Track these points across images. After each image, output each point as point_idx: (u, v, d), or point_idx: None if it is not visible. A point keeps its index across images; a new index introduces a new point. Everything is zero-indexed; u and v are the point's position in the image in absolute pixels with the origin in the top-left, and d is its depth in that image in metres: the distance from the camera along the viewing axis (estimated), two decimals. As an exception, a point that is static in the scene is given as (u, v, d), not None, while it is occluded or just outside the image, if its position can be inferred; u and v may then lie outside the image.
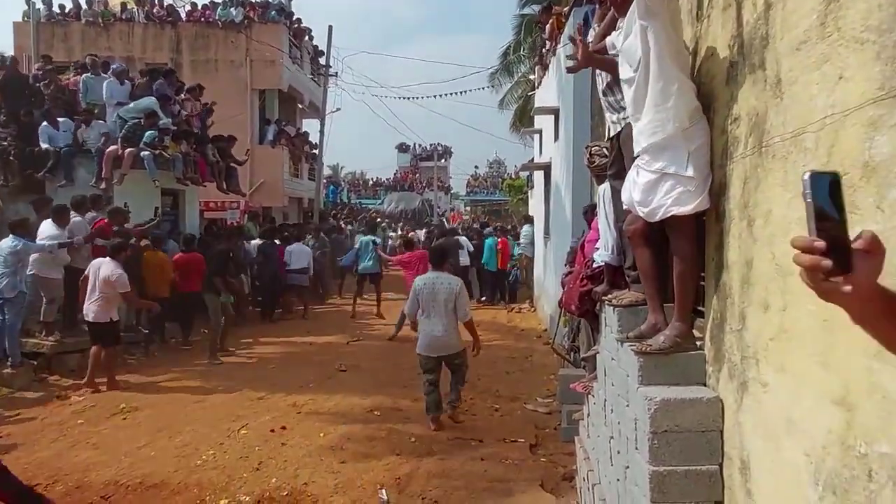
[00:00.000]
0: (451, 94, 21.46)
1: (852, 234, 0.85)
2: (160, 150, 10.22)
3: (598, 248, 3.95)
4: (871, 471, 1.47)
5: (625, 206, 2.95)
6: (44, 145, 9.98)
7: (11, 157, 9.98)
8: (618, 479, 3.15)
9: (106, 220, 8.80)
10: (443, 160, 47.19)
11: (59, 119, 10.30)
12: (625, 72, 2.79)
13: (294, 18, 20.53)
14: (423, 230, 23.11)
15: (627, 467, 2.90)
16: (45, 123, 10.09)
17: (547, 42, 11.52)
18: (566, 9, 9.87)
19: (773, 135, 2.02)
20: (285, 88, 19.30)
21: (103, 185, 9.93)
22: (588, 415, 4.42)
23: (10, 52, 15.56)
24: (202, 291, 9.04)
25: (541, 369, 8.35)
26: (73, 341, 8.17)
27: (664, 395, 2.53)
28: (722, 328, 2.49)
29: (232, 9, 18.72)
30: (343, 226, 20.72)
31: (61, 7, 18.99)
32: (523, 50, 19.32)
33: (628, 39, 2.71)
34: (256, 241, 12.64)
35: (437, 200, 38.62)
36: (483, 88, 21.13)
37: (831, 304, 1.63)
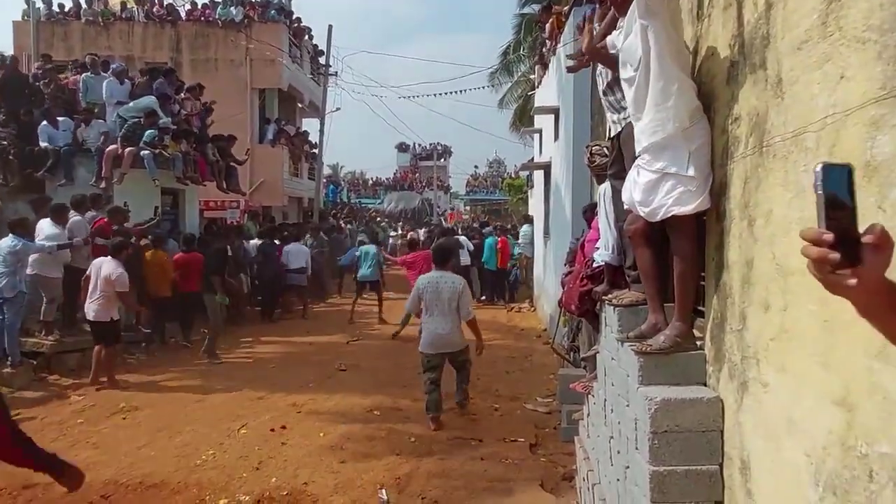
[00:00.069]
0: (451, 92, 21.45)
1: (861, 228, 0.85)
2: (160, 150, 10.22)
3: (598, 248, 3.95)
4: (871, 471, 1.47)
5: (625, 206, 2.95)
6: (43, 144, 9.99)
7: (11, 157, 9.98)
8: (618, 479, 3.15)
9: (105, 220, 8.80)
10: (442, 160, 47.21)
11: (59, 118, 10.31)
12: (625, 71, 2.79)
13: (294, 18, 20.53)
14: (423, 229, 23.11)
15: (627, 467, 2.90)
16: (44, 123, 10.09)
17: (547, 41, 11.51)
18: (566, 8, 9.86)
19: (774, 134, 2.02)
20: (285, 88, 19.29)
21: (103, 185, 9.94)
22: (588, 414, 4.42)
23: (9, 51, 15.53)
24: (201, 291, 9.04)
25: (540, 369, 8.35)
26: (72, 341, 8.17)
27: (664, 395, 2.52)
28: (722, 328, 2.49)
29: (232, 8, 18.70)
30: (343, 225, 20.72)
31: (61, 6, 18.98)
32: (523, 49, 19.31)
33: (628, 39, 2.71)
34: (255, 241, 12.63)
35: (436, 200, 38.64)
36: (483, 87, 21.13)
37: (832, 305, 1.64)
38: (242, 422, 6.10)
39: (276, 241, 12.79)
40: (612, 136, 3.36)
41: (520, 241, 15.48)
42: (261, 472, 4.97)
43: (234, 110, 16.39)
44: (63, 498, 4.51)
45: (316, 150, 21.19)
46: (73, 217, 8.42)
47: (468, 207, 44.03)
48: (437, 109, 39.68)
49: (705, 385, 2.64)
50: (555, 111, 10.80)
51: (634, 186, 2.75)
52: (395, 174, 45.69)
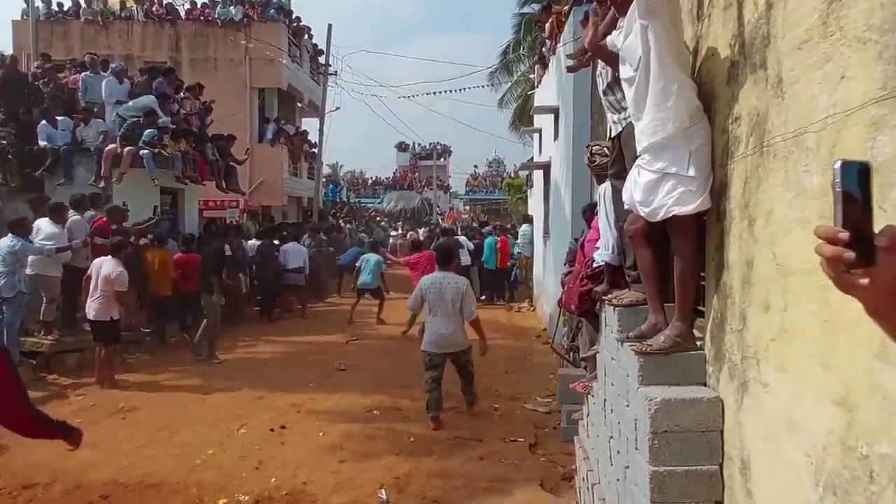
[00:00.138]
0: (451, 91, 21.47)
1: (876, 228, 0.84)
2: (159, 149, 10.22)
3: (598, 248, 3.95)
4: (872, 472, 1.47)
5: (626, 206, 2.95)
6: (42, 143, 9.98)
7: (10, 156, 9.97)
8: (617, 479, 3.15)
9: (104, 219, 8.79)
10: (442, 159, 47.21)
11: (58, 118, 10.30)
12: (625, 71, 2.79)
13: (293, 17, 20.51)
14: (423, 229, 23.12)
15: (627, 467, 2.90)
16: (43, 122, 10.08)
17: (547, 41, 11.50)
18: (566, 8, 9.85)
19: (775, 134, 2.02)
20: (285, 87, 19.28)
21: (102, 184, 9.93)
22: (588, 414, 4.42)
23: (8, 50, 15.51)
24: (198, 291, 9.00)
25: (540, 369, 8.35)
26: (71, 340, 8.17)
27: (664, 395, 2.52)
28: (722, 328, 2.49)
29: (231, 7, 18.69)
30: (342, 225, 20.73)
31: (60, 5, 18.96)
32: (523, 49, 19.29)
33: (628, 39, 2.71)
34: (253, 242, 12.62)
35: (436, 199, 38.65)
36: (482, 86, 21.10)
37: (832, 305, 1.64)
38: (242, 422, 6.10)
39: (276, 242, 12.78)
40: (612, 136, 3.35)
41: (519, 240, 15.49)
42: (260, 471, 4.97)
43: (233, 110, 16.37)
44: (63, 497, 4.52)
45: (315, 150, 21.18)
46: (73, 216, 8.41)
47: (468, 207, 44.03)
48: (436, 109, 39.72)
49: (705, 385, 2.64)
50: (554, 111, 10.79)
51: (635, 186, 2.75)
52: (394, 174, 45.69)
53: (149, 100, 10.68)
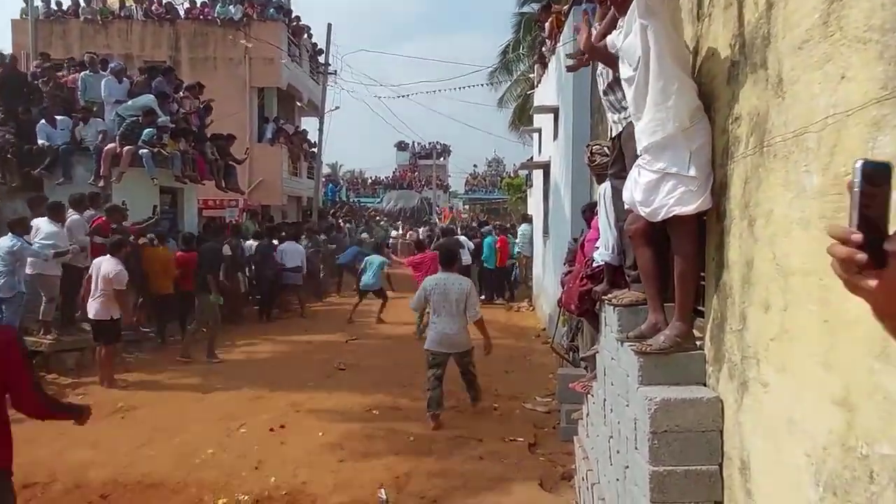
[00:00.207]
0: (450, 90, 21.48)
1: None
2: (159, 148, 10.21)
3: (597, 248, 3.95)
4: (872, 472, 1.47)
5: (626, 206, 2.94)
6: (41, 142, 9.97)
7: (9, 156, 9.96)
8: (617, 479, 3.15)
9: (104, 218, 8.78)
10: (441, 158, 47.19)
11: (57, 117, 10.29)
12: (625, 71, 2.79)
13: (293, 16, 20.50)
14: (423, 228, 23.11)
15: (627, 467, 2.90)
16: (42, 121, 10.07)
17: (546, 40, 11.50)
18: (565, 7, 9.84)
19: (775, 134, 2.02)
20: (284, 86, 19.26)
21: (101, 183, 9.93)
22: (587, 414, 4.42)
23: (7, 49, 15.53)
24: (195, 291, 8.97)
25: (540, 368, 8.36)
26: (71, 340, 8.16)
27: (664, 395, 2.52)
28: (722, 328, 2.49)
29: (231, 6, 18.67)
30: (342, 224, 20.72)
31: (59, 4, 18.93)
32: (522, 48, 19.29)
33: (628, 38, 2.71)
34: (251, 242, 12.61)
35: (435, 199, 38.63)
36: (482, 85, 21.07)
37: (832, 305, 1.64)
38: (241, 421, 6.09)
39: (274, 242, 12.77)
40: (612, 135, 3.35)
41: (518, 240, 15.49)
42: (260, 471, 4.97)
43: (232, 109, 16.36)
44: (62, 497, 4.52)
45: (315, 149, 21.17)
46: (72, 216, 8.40)
47: (467, 206, 44.03)
48: (436, 108, 39.71)
49: (705, 385, 2.64)
50: (554, 110, 10.79)
51: (635, 186, 2.75)
52: (394, 173, 45.67)
53: (148, 99, 10.68)
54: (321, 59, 20.82)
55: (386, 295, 12.06)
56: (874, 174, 0.81)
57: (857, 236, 0.80)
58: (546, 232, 12.26)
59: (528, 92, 16.89)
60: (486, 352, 6.37)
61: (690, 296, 2.72)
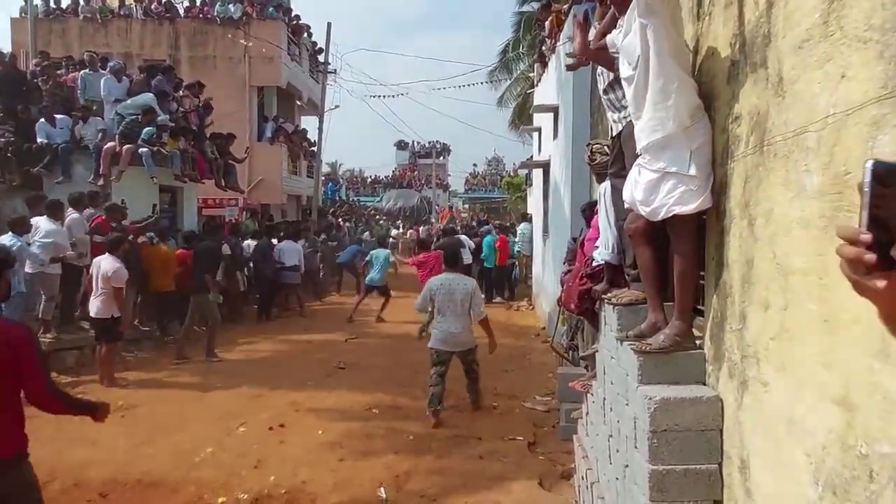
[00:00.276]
0: (449, 88, 21.48)
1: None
2: (158, 147, 10.20)
3: (597, 247, 3.95)
4: (871, 471, 1.47)
5: (626, 205, 2.95)
6: (41, 141, 9.96)
7: (9, 154, 9.95)
8: (617, 478, 3.15)
9: (103, 217, 8.78)
10: (441, 158, 47.17)
11: (57, 116, 10.28)
12: (625, 70, 2.79)
13: (293, 15, 20.48)
14: (423, 227, 23.11)
15: (626, 466, 2.90)
16: (42, 120, 10.06)
17: (546, 39, 11.50)
18: (565, 6, 9.84)
19: (775, 134, 2.02)
20: (284, 85, 19.24)
21: (101, 182, 9.92)
22: (587, 413, 4.42)
23: (7, 48, 15.50)
24: (192, 290, 8.93)
25: (539, 367, 8.36)
26: (70, 338, 8.16)
27: (664, 394, 2.52)
28: (722, 327, 2.49)
29: (230, 5, 18.64)
30: (342, 223, 20.72)
31: (58, 3, 18.90)
32: (522, 47, 19.27)
33: (628, 37, 2.71)
34: (250, 242, 12.59)
35: (435, 198, 38.62)
36: (482, 83, 21.07)
37: (832, 304, 1.64)
38: (241, 420, 6.09)
39: (274, 241, 12.76)
40: (612, 134, 3.35)
41: (517, 239, 15.49)
42: (259, 470, 4.97)
43: (232, 108, 16.36)
44: (62, 496, 4.52)
45: (315, 148, 21.16)
46: (71, 214, 8.39)
47: (467, 206, 44.02)
48: (436, 107, 39.71)
49: (705, 384, 2.64)
50: (554, 109, 10.78)
51: (635, 185, 2.75)
52: (393, 172, 45.65)
53: (148, 98, 10.67)
54: (321, 57, 20.80)
55: (389, 293, 12.06)
56: (884, 174, 0.80)
57: (867, 237, 0.80)
58: (546, 231, 12.26)
59: (528, 91, 16.88)
60: (490, 351, 6.42)
61: (690, 295, 2.72)
